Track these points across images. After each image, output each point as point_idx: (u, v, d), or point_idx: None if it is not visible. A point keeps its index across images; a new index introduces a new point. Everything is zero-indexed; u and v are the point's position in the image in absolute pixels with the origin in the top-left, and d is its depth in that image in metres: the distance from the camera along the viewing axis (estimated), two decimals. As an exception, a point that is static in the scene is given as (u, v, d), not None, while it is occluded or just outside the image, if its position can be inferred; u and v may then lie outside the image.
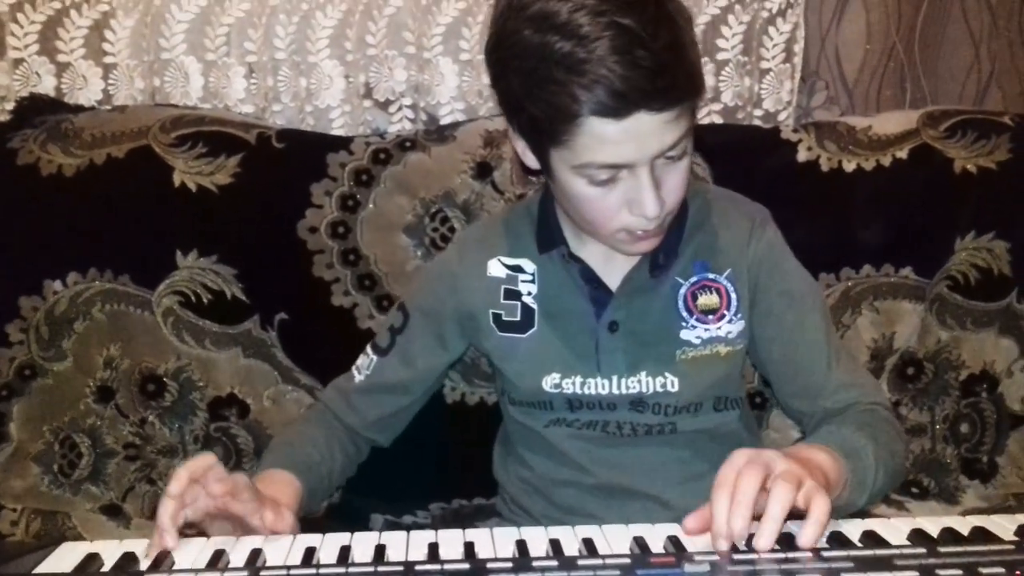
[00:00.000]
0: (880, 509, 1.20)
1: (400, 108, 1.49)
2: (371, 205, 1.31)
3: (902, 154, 1.35)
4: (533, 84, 0.87)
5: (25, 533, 1.23)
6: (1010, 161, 1.34)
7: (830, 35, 1.54)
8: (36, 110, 1.36)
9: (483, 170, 1.32)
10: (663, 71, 0.84)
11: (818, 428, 1.00)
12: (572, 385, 1.03)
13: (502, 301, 1.07)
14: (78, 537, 1.21)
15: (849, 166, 1.35)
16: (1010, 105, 1.56)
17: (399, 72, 1.48)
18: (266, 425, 1.30)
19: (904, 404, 1.35)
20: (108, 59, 1.45)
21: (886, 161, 1.35)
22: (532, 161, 0.98)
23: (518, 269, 1.08)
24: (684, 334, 1.03)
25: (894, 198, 1.35)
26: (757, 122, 1.52)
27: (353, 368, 1.14)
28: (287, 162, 1.32)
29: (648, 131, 0.87)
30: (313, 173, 1.31)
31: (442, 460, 1.32)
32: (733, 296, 1.05)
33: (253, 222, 1.31)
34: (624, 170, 0.90)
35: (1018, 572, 0.69)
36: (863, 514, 0.93)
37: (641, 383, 1.03)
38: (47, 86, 1.44)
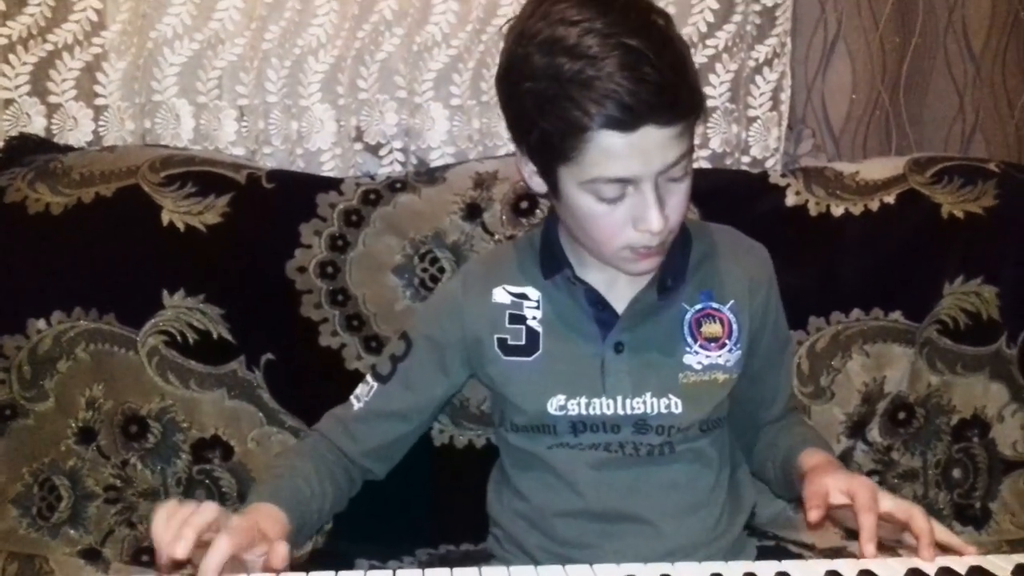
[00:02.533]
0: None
1: (391, 151, 1.51)
2: (360, 246, 1.31)
3: (889, 199, 1.36)
4: (545, 101, 0.91)
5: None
6: (997, 207, 1.36)
7: (816, 84, 1.57)
8: (25, 149, 1.37)
9: (473, 211, 1.33)
10: (668, 87, 0.89)
11: (764, 431, 1.16)
12: (577, 406, 1.04)
13: (507, 326, 1.08)
14: (55, 582, 1.18)
15: (837, 211, 1.36)
16: (994, 152, 1.58)
17: (390, 116, 1.49)
18: (250, 468, 1.28)
19: (896, 449, 1.35)
20: (99, 100, 1.46)
21: (874, 206, 1.36)
22: (539, 185, 1.02)
23: (523, 296, 1.09)
24: (687, 359, 1.06)
25: (882, 242, 1.36)
26: (745, 168, 1.54)
27: (351, 397, 1.14)
28: (277, 202, 1.32)
29: (654, 145, 0.90)
30: (302, 213, 1.31)
31: (430, 504, 1.30)
32: (735, 327, 1.08)
33: (241, 262, 1.31)
34: (630, 186, 0.93)
35: (1018, 607, 0.68)
36: (855, 554, 0.93)
37: (646, 404, 1.04)
38: (37, 127, 1.45)
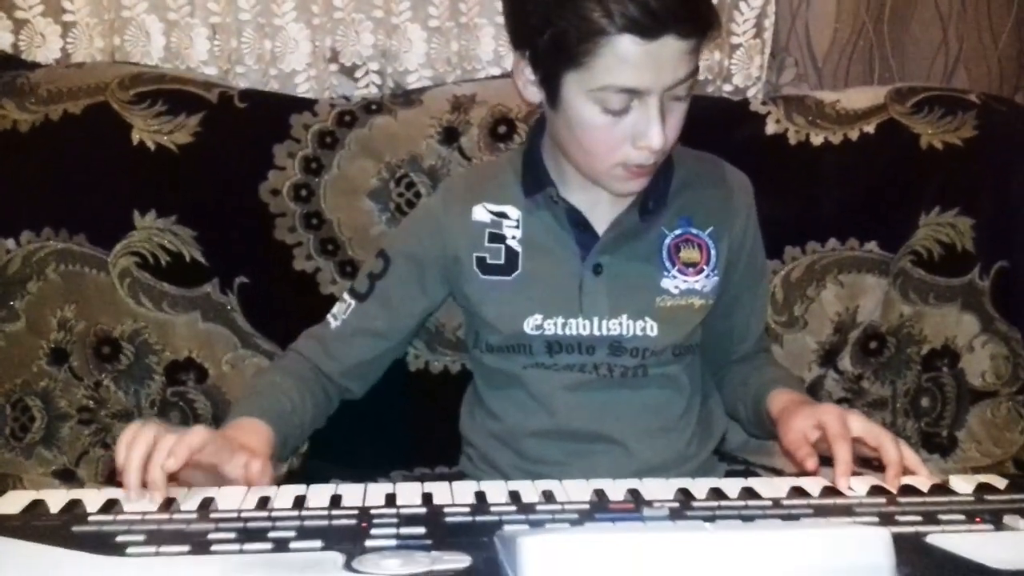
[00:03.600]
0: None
1: (367, 74, 1.48)
2: (335, 168, 1.29)
3: (869, 129, 1.36)
4: (568, 4, 0.89)
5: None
6: (976, 138, 1.35)
7: (800, 12, 1.55)
8: (-9, 66, 1.33)
9: (450, 135, 1.31)
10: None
11: (735, 369, 1.18)
12: (554, 326, 1.05)
13: (486, 244, 1.08)
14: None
15: (816, 140, 1.35)
16: (976, 84, 1.57)
17: (366, 37, 1.46)
18: (224, 390, 1.28)
19: (866, 378, 1.36)
20: (67, 16, 1.42)
21: (853, 135, 1.35)
22: (533, 95, 1.00)
23: (503, 215, 1.09)
24: (664, 283, 1.06)
25: (860, 172, 1.35)
26: (726, 96, 1.52)
27: (328, 316, 1.13)
28: (249, 122, 1.30)
29: (670, 57, 0.89)
30: (276, 134, 1.29)
31: (405, 428, 1.31)
32: (713, 253, 1.08)
33: (213, 183, 1.29)
34: (636, 99, 0.92)
35: (978, 519, 0.70)
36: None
37: (622, 326, 1.05)
38: (3, 43, 1.41)
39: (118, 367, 1.27)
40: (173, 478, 0.81)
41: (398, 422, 1.30)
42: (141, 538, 0.61)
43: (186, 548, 0.59)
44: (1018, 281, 1.35)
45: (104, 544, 0.60)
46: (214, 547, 0.59)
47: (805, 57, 1.56)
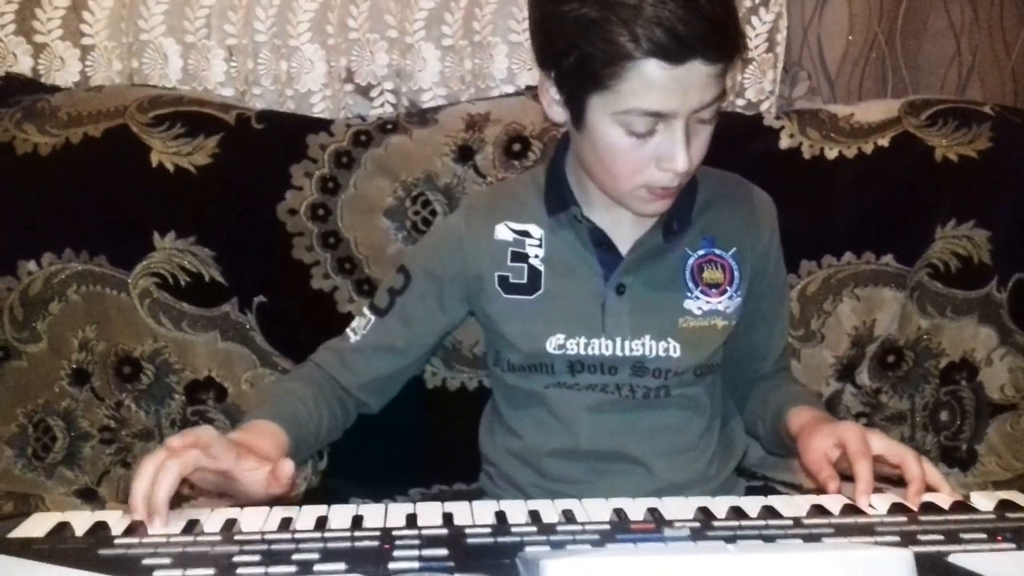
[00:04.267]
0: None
1: (381, 93, 1.49)
2: (352, 188, 1.31)
3: (884, 142, 1.36)
4: (589, 23, 0.89)
5: (-3, 515, 1.21)
6: (990, 150, 1.35)
7: (812, 25, 1.55)
8: (12, 90, 1.35)
9: (465, 153, 1.32)
10: (720, 23, 0.88)
11: (755, 388, 1.17)
12: (576, 346, 1.05)
13: (508, 264, 1.09)
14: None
15: (831, 153, 1.36)
16: (990, 96, 1.57)
17: (380, 56, 1.47)
18: (244, 409, 1.29)
19: (884, 392, 1.36)
20: (86, 40, 1.44)
21: (868, 149, 1.36)
22: (559, 114, 1.00)
23: (525, 234, 1.09)
24: (687, 304, 1.06)
25: (875, 186, 1.35)
26: (739, 111, 1.53)
27: (347, 330, 1.14)
28: (267, 143, 1.31)
29: (696, 82, 0.89)
30: (293, 155, 1.31)
31: (423, 445, 1.32)
32: (736, 274, 1.08)
33: (232, 203, 1.30)
34: (661, 122, 0.92)
35: (999, 538, 0.69)
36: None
37: (644, 346, 1.05)
38: (24, 67, 1.43)
39: (139, 387, 1.28)
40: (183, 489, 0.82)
41: (416, 439, 1.31)
42: (167, 561, 0.62)
43: (211, 571, 0.60)
44: (1036, 293, 1.35)
45: (130, 568, 0.61)
46: (239, 570, 0.60)
47: (818, 71, 1.56)
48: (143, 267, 1.28)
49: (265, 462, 0.87)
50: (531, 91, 1.39)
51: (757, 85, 1.53)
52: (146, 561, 0.62)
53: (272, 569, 0.60)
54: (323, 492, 1.25)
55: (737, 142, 1.37)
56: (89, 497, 1.27)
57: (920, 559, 0.57)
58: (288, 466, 0.85)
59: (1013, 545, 0.67)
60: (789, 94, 1.57)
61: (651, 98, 0.90)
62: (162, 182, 1.28)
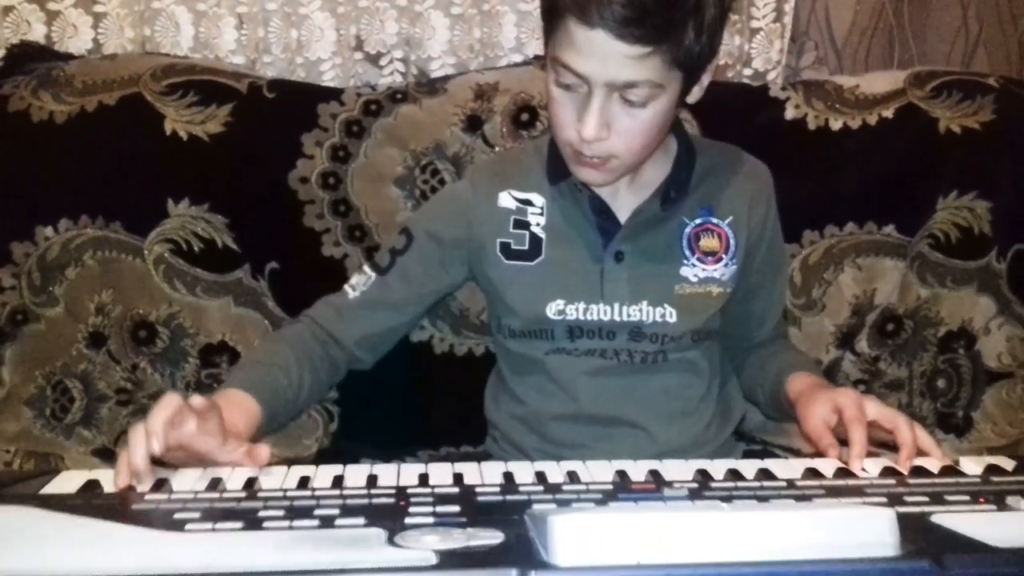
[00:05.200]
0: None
1: (391, 61, 1.52)
2: (362, 156, 1.34)
3: (888, 113, 1.39)
4: None
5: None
6: (994, 122, 1.38)
7: (820, -5, 1.58)
8: (27, 57, 1.38)
9: (473, 123, 1.35)
10: (639, 7, 0.90)
11: (753, 354, 1.22)
12: (576, 311, 1.09)
13: (511, 231, 1.13)
14: (71, 479, 1.24)
15: (836, 124, 1.39)
16: (996, 67, 1.59)
17: (390, 25, 1.50)
18: (256, 372, 1.33)
19: (883, 359, 1.40)
20: (98, 7, 1.47)
21: (872, 120, 1.39)
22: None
23: (527, 202, 1.14)
24: (684, 271, 1.11)
25: (879, 157, 1.38)
26: (746, 81, 1.56)
27: (346, 286, 1.18)
28: (278, 112, 1.35)
29: (607, 54, 0.93)
30: (304, 123, 1.34)
31: (430, 409, 1.36)
32: (732, 243, 1.12)
33: (244, 171, 1.34)
34: (584, 85, 0.96)
35: (982, 500, 0.74)
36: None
37: (642, 312, 1.09)
38: (37, 34, 1.46)
39: (154, 350, 1.33)
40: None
41: (424, 403, 1.36)
42: (197, 515, 0.67)
43: (240, 525, 0.64)
44: (1035, 264, 1.38)
45: (164, 521, 0.66)
46: (266, 524, 0.65)
47: (825, 41, 1.59)
48: (157, 233, 1.32)
49: (237, 440, 0.90)
50: (539, 60, 1.42)
51: (764, 55, 1.56)
52: (177, 516, 0.67)
53: (296, 522, 0.64)
54: (334, 453, 1.30)
55: (743, 112, 1.41)
56: (106, 456, 1.32)
57: (904, 518, 0.62)
58: (264, 452, 0.88)
59: (994, 507, 0.71)
60: (796, 64, 1.60)
61: (569, 54, 0.95)
62: (176, 150, 1.31)
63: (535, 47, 1.51)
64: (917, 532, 0.63)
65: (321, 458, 1.28)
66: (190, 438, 0.85)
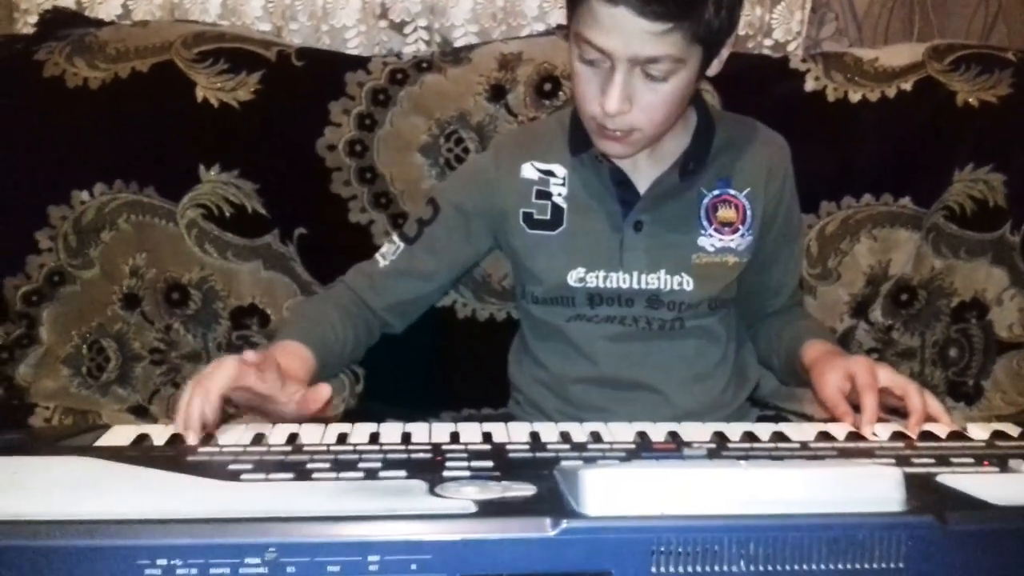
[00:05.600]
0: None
1: (415, 30, 1.56)
2: (388, 125, 1.38)
3: (907, 86, 1.42)
4: None
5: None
6: (1011, 96, 1.41)
7: (842, -34, 1.61)
8: (59, 23, 1.43)
9: (497, 93, 1.39)
10: None
11: (769, 322, 1.26)
12: (596, 279, 1.14)
13: (533, 201, 1.18)
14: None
15: (855, 97, 1.42)
16: (1015, 41, 1.62)
17: (414, -7, 1.54)
18: (285, 334, 1.39)
19: (896, 328, 1.45)
20: (128, -26, 1.51)
21: (891, 93, 1.42)
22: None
23: (550, 173, 1.18)
24: (701, 241, 1.15)
25: (896, 129, 1.42)
26: (767, 51, 1.59)
27: (377, 255, 1.23)
28: (306, 80, 1.39)
29: (630, 31, 0.97)
30: (331, 92, 1.38)
31: (453, 372, 1.42)
32: (749, 214, 1.17)
33: (273, 138, 1.38)
34: (607, 61, 1.00)
35: (986, 462, 0.79)
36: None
37: (660, 280, 1.14)
38: (67, 0, 1.50)
39: (187, 312, 1.39)
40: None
41: (447, 366, 1.42)
42: (250, 466, 0.72)
43: (291, 476, 0.70)
44: (1048, 236, 1.42)
45: (219, 472, 0.71)
46: (315, 475, 0.70)
47: (846, 12, 1.62)
48: (190, 198, 1.37)
49: (297, 383, 0.97)
50: (561, 30, 1.46)
51: (785, 25, 1.60)
52: (232, 467, 0.72)
53: (343, 474, 0.70)
54: (359, 413, 1.36)
55: (763, 84, 1.44)
56: (141, 414, 1.39)
57: (911, 478, 0.67)
58: (325, 391, 0.96)
59: (997, 469, 0.76)
60: (816, 35, 1.63)
61: (593, 31, 0.99)
62: (207, 117, 1.36)
63: (557, 16, 1.55)
64: (923, 491, 0.68)
65: (347, 418, 1.33)
66: (252, 382, 0.91)
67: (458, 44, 1.55)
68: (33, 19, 1.45)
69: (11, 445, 0.86)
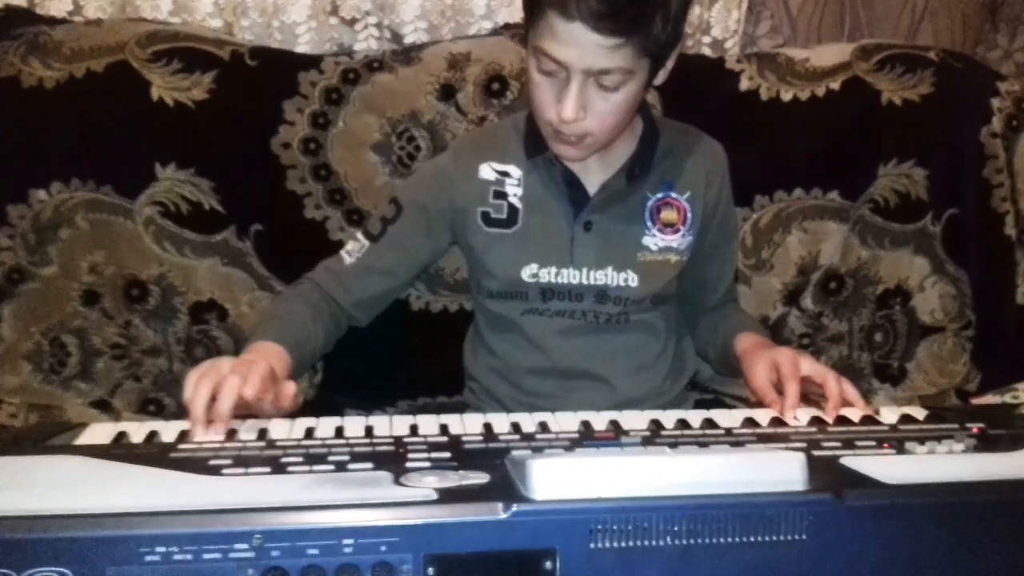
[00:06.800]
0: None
1: (366, 27, 1.65)
2: (341, 123, 1.48)
3: (835, 85, 1.55)
4: None
5: (25, 424, 1.41)
6: (932, 94, 1.55)
7: (776, -34, 1.73)
8: (12, 22, 1.48)
9: (447, 92, 1.49)
10: (611, 2, 1.05)
11: (706, 317, 1.39)
12: (548, 275, 1.26)
13: (490, 200, 1.29)
14: (73, 428, 1.39)
15: (786, 96, 1.55)
16: (941, 37, 1.76)
17: (364, -10, 1.62)
18: (244, 328, 1.48)
19: (826, 315, 1.59)
20: (78, -29, 1.57)
21: (820, 92, 1.55)
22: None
23: (506, 174, 1.29)
24: (645, 240, 1.28)
25: (825, 127, 1.56)
26: (706, 49, 1.71)
27: (342, 252, 1.33)
28: (260, 80, 1.47)
29: (585, 45, 1.08)
30: (285, 91, 1.47)
31: (408, 363, 1.53)
32: (689, 215, 1.29)
33: (229, 137, 1.47)
34: (564, 71, 1.11)
35: (885, 445, 0.92)
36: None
37: (607, 276, 1.26)
38: (19, -2, 1.56)
39: (146, 307, 1.47)
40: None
41: (402, 357, 1.52)
42: (229, 462, 0.83)
43: (268, 469, 0.80)
44: (966, 227, 1.57)
45: (202, 467, 0.81)
46: (290, 468, 0.81)
47: (780, 10, 1.74)
48: (147, 196, 1.45)
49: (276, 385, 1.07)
50: (509, 30, 1.56)
51: (722, 23, 1.72)
52: (212, 462, 0.83)
53: (316, 467, 0.81)
54: (319, 403, 1.47)
55: (701, 84, 1.56)
56: (104, 407, 1.47)
57: (817, 460, 0.80)
58: (291, 387, 1.07)
59: (893, 451, 0.90)
60: (753, 32, 1.75)
61: (549, 43, 1.10)
62: (162, 116, 1.44)
63: (504, 15, 1.64)
64: (826, 472, 0.81)
65: (307, 409, 1.43)
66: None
67: (408, 40, 1.64)
68: (-15, 18, 1.50)
69: (-5, 444, 0.95)
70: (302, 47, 1.63)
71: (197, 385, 0.98)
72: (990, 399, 1.50)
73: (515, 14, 1.60)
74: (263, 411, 1.05)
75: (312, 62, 1.49)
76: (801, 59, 1.57)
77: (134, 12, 1.58)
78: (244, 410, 1.05)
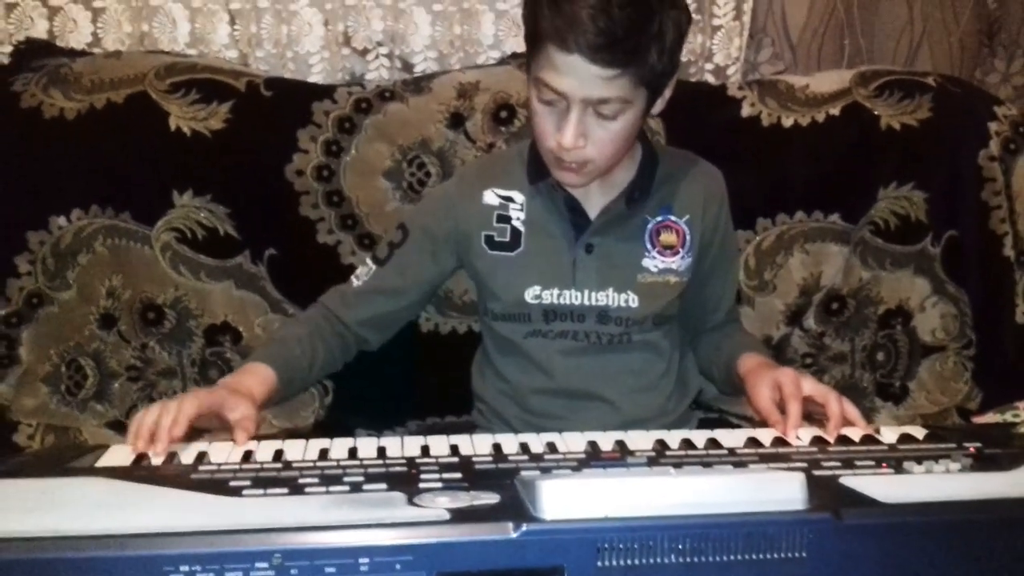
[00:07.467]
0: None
1: (377, 56, 1.68)
2: (353, 151, 1.51)
3: (835, 111, 1.58)
4: (534, 6, 1.15)
5: (41, 446, 1.43)
6: (930, 119, 1.58)
7: (777, -6, 1.76)
8: (33, 54, 1.53)
9: (456, 120, 1.53)
10: (609, 35, 1.08)
11: (709, 336, 1.41)
12: (551, 296, 1.29)
13: (494, 224, 1.32)
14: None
15: (787, 121, 1.58)
16: (939, 62, 1.79)
17: (376, 22, 1.66)
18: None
19: (828, 335, 1.61)
20: (98, 3, 1.62)
21: (820, 117, 1.58)
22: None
23: (509, 199, 1.32)
24: (645, 262, 1.30)
25: (826, 151, 1.59)
26: (708, 76, 1.74)
27: (352, 276, 1.37)
28: (275, 109, 1.51)
29: (583, 76, 1.12)
30: (299, 120, 1.51)
31: (417, 383, 1.55)
32: (688, 238, 1.32)
33: (244, 165, 1.50)
34: (564, 101, 1.15)
35: (884, 465, 0.94)
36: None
37: (608, 297, 1.29)
38: (40, 29, 1.61)
39: (162, 331, 1.50)
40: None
41: (412, 378, 1.55)
42: (248, 483, 0.85)
43: (286, 491, 0.83)
44: (966, 248, 1.60)
45: (223, 488, 0.84)
46: (307, 489, 0.83)
47: (781, 38, 1.78)
48: (164, 222, 1.48)
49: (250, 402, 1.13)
50: (517, 59, 1.59)
51: (725, 51, 1.75)
52: (232, 483, 0.85)
53: (332, 488, 0.83)
54: (330, 424, 1.49)
55: (704, 110, 1.59)
56: (119, 429, 1.49)
57: (817, 480, 0.82)
58: (247, 419, 1.11)
59: (892, 471, 0.92)
60: (755, 59, 1.78)
61: (549, 74, 1.13)
62: (180, 145, 1.48)
63: (512, 44, 1.68)
64: (825, 491, 0.83)
65: (318, 429, 1.47)
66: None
67: (418, 70, 1.68)
68: (7, 49, 1.55)
69: (18, 467, 0.98)
70: (315, 77, 1.67)
71: (139, 425, 1.04)
72: (991, 417, 1.51)
73: (522, 44, 1.61)
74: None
75: (325, 92, 1.53)
76: (801, 86, 1.61)
77: (152, 44, 1.62)
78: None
